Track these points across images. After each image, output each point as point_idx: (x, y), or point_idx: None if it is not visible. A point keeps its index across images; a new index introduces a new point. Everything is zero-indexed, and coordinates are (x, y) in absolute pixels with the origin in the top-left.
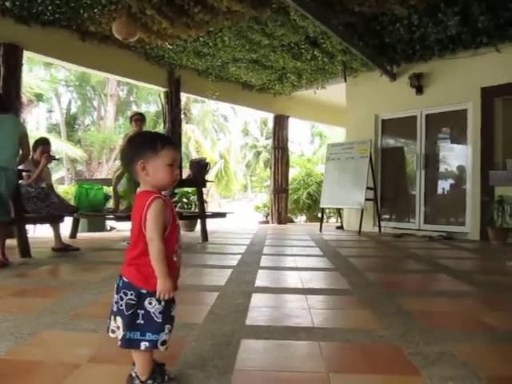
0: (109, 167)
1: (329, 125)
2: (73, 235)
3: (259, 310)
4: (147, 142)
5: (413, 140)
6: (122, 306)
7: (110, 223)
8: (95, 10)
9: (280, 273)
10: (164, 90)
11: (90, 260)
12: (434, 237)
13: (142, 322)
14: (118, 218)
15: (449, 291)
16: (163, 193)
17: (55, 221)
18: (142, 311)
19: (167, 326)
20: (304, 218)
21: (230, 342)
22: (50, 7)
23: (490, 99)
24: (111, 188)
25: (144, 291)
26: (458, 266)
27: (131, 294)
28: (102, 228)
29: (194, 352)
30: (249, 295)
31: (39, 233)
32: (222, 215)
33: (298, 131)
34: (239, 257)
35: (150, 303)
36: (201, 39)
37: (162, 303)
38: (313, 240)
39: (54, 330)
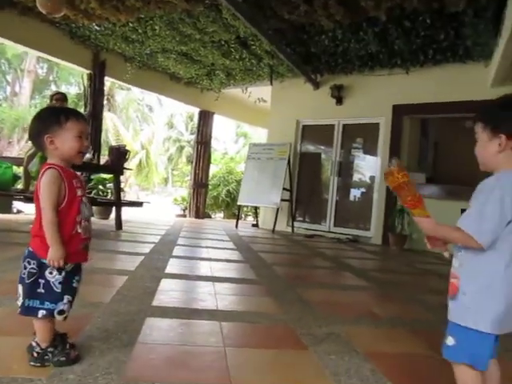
0: (20, 147)
1: (252, 125)
2: None
3: (167, 293)
4: (51, 117)
5: (329, 147)
6: (24, 274)
7: (17, 206)
8: None
9: (192, 262)
10: (87, 71)
11: None
12: (342, 239)
13: (43, 291)
14: (27, 199)
15: (347, 285)
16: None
17: None
18: (43, 280)
19: (66, 296)
20: (222, 214)
21: (135, 319)
22: None
23: (400, 116)
24: (21, 168)
25: (45, 261)
26: (360, 265)
27: (33, 264)
28: (9, 210)
29: (98, 327)
30: (158, 280)
31: None
32: (138, 204)
33: (224, 129)
34: (152, 245)
35: (51, 273)
36: (130, 25)
37: (63, 274)
38: (228, 235)
39: None
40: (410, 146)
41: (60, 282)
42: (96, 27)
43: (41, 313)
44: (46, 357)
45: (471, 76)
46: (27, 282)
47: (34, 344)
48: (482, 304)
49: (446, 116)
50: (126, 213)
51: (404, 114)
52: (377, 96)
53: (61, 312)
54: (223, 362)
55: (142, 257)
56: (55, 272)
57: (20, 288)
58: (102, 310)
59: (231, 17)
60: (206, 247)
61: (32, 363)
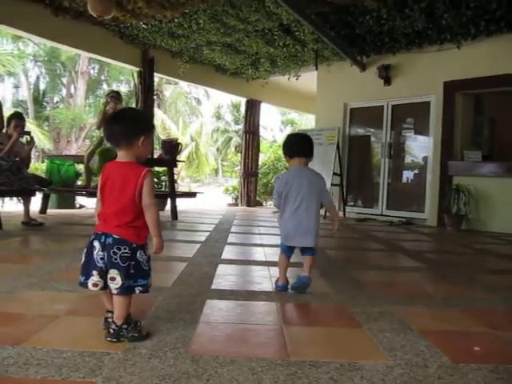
0: (78, 146)
1: (299, 111)
2: (43, 211)
3: (224, 277)
4: (150, 121)
5: (379, 129)
6: (116, 259)
7: (79, 201)
8: None
9: (246, 248)
10: (137, 69)
11: (61, 233)
12: (395, 222)
13: (133, 271)
14: (90, 194)
15: (401, 267)
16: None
17: (27, 195)
18: (133, 262)
19: (151, 272)
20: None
21: (196, 301)
22: None
23: (452, 93)
24: (82, 165)
25: (135, 245)
26: (413, 247)
27: (125, 249)
28: (72, 205)
29: (163, 308)
30: (215, 265)
31: (6, 207)
32: (191, 195)
33: (270, 118)
34: (208, 234)
35: (140, 254)
36: (176, 20)
37: (148, 254)
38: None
39: (31, 290)
40: (464, 123)
41: (147, 261)
42: (143, 26)
43: (137, 289)
44: (121, 333)
45: None
46: (123, 265)
47: (110, 320)
48: (281, 231)
49: (502, 90)
50: (181, 203)
51: (456, 91)
52: (426, 74)
53: (150, 286)
54: (281, 338)
55: (199, 244)
56: (143, 253)
57: (115, 272)
58: (165, 293)
59: (273, 5)
60: (259, 234)
61: (109, 339)
